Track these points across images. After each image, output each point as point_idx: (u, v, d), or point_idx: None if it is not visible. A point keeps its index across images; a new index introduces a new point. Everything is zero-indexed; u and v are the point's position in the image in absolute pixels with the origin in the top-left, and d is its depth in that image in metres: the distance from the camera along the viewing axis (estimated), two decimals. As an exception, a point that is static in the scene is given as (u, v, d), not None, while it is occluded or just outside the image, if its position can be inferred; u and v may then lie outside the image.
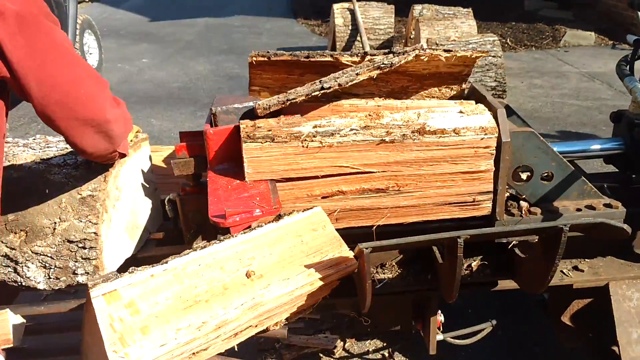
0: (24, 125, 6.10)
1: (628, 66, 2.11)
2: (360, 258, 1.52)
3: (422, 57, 1.64)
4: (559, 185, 1.69)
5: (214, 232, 1.69)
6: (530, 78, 6.52)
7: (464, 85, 1.85)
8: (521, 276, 1.75)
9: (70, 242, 1.72)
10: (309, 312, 1.71)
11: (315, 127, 1.60)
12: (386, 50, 1.69)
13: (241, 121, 1.64)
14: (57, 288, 1.77)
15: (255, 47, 6.40)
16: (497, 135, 1.60)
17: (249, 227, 1.63)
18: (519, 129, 1.68)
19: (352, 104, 1.69)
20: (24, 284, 1.75)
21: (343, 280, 1.63)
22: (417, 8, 6.52)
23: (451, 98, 1.84)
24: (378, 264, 1.95)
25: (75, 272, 1.75)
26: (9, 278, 1.74)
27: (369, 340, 2.65)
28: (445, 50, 1.69)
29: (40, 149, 1.90)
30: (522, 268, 1.73)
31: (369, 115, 1.61)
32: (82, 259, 1.74)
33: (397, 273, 1.91)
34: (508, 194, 1.77)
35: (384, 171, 1.64)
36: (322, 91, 1.60)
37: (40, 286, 1.75)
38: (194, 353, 1.41)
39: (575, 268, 1.94)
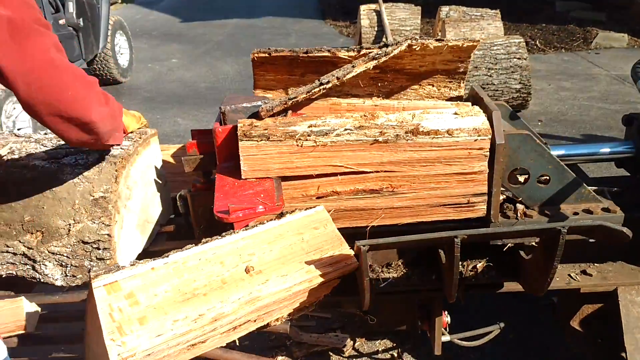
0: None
1: (644, 69, 2.08)
2: (359, 255, 1.53)
3: (414, 47, 1.65)
4: (555, 188, 1.68)
5: (220, 227, 1.73)
6: (558, 80, 6.42)
7: (462, 85, 1.85)
8: (525, 278, 1.74)
9: (85, 243, 1.76)
10: (312, 309, 1.73)
11: (310, 126, 1.62)
12: (381, 44, 1.71)
13: (239, 120, 1.67)
14: (74, 285, 1.82)
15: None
16: (490, 137, 1.61)
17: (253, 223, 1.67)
18: (515, 131, 1.67)
19: (350, 103, 1.71)
20: (42, 280, 1.80)
21: (348, 279, 1.64)
22: (444, 9, 6.48)
23: (452, 100, 1.84)
24: (384, 263, 1.96)
25: (91, 270, 1.80)
26: (27, 275, 1.79)
27: (379, 340, 2.66)
28: (436, 40, 1.71)
29: (52, 146, 1.94)
30: (525, 270, 1.72)
31: (364, 115, 1.63)
32: (97, 259, 1.78)
33: (402, 273, 1.91)
34: (504, 196, 1.77)
35: (377, 171, 1.65)
36: (321, 86, 1.62)
37: (58, 283, 1.79)
38: (192, 345, 1.45)
39: (584, 272, 1.92)
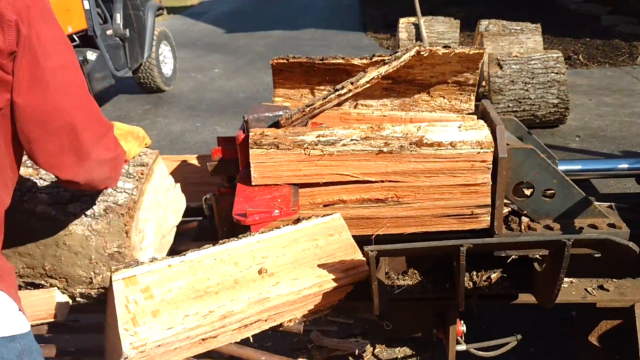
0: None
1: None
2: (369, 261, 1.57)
3: (422, 53, 1.69)
4: (560, 203, 1.68)
5: (240, 229, 1.80)
6: (599, 96, 6.29)
7: (472, 97, 1.87)
8: (537, 290, 1.74)
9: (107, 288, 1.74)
10: (326, 312, 1.77)
11: (318, 136, 1.67)
12: (392, 52, 1.76)
13: (250, 129, 1.74)
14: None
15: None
16: (493, 150, 1.63)
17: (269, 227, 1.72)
18: (519, 145, 1.69)
19: (360, 112, 1.76)
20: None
21: (365, 284, 1.67)
22: (484, 23, 6.44)
23: (461, 112, 1.87)
24: (401, 271, 1.99)
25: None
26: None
27: (398, 348, 2.67)
28: (444, 47, 1.74)
29: (51, 181, 1.81)
30: (537, 282, 1.73)
31: (371, 127, 1.67)
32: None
33: (417, 281, 1.94)
34: (510, 209, 1.78)
35: (382, 181, 1.69)
36: (336, 92, 1.67)
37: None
38: (203, 339, 1.51)
39: (601, 287, 1.90)
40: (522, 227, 1.69)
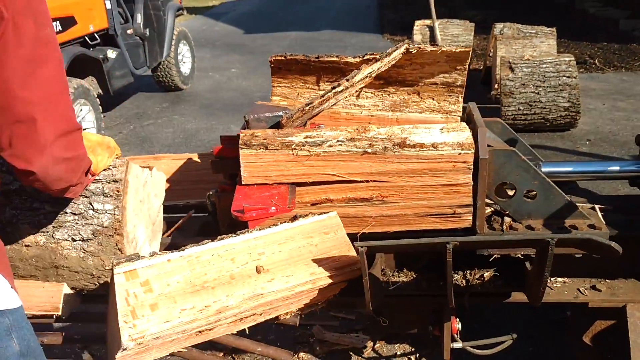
0: (118, 125, 6.64)
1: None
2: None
3: (411, 50, 1.75)
4: (542, 203, 1.71)
5: (240, 225, 1.86)
6: (613, 100, 6.26)
7: (460, 99, 1.92)
8: (527, 289, 1.78)
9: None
10: (321, 307, 1.82)
11: (305, 137, 1.73)
12: (382, 52, 1.82)
13: (241, 130, 1.80)
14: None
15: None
16: (474, 151, 1.66)
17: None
18: (500, 147, 1.73)
19: (349, 112, 1.82)
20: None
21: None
22: (499, 26, 6.45)
23: (450, 113, 1.91)
24: (397, 268, 2.04)
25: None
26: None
27: (398, 344, 2.72)
28: (431, 44, 1.79)
29: (35, 217, 1.78)
30: (528, 281, 1.77)
31: (357, 129, 1.72)
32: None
33: (412, 278, 1.99)
34: (492, 209, 1.82)
35: (367, 181, 1.74)
36: (333, 91, 1.73)
37: None
38: (199, 331, 1.57)
39: (594, 287, 1.93)
40: (504, 227, 1.73)
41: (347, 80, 1.71)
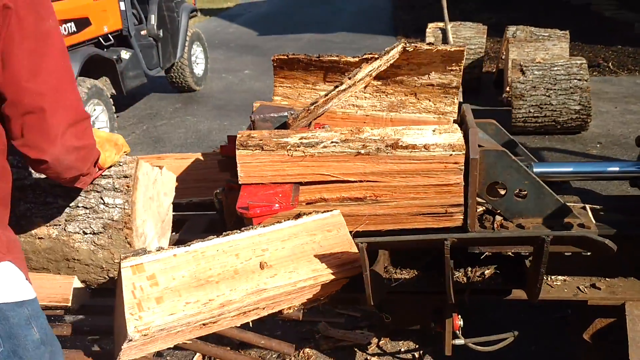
0: (131, 125, 6.73)
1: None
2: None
3: (407, 48, 1.80)
4: (532, 203, 1.74)
5: (245, 222, 1.90)
6: (626, 104, 6.22)
7: (455, 101, 1.95)
8: (526, 286, 1.81)
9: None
10: (323, 302, 1.87)
11: (300, 138, 1.78)
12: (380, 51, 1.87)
13: (238, 132, 1.85)
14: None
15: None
16: (465, 152, 1.69)
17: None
18: (491, 147, 1.76)
19: (344, 112, 1.87)
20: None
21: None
22: (511, 29, 6.45)
23: (444, 115, 1.95)
24: (399, 265, 2.08)
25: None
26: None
27: (402, 341, 2.76)
28: (427, 44, 1.83)
29: (48, 211, 1.84)
30: (527, 278, 1.80)
31: (351, 130, 1.77)
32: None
33: (414, 275, 2.02)
34: (484, 208, 1.84)
35: (361, 181, 1.78)
36: (337, 90, 1.78)
37: None
38: (203, 324, 1.62)
39: (593, 286, 1.95)
40: (495, 226, 1.76)
41: (350, 78, 1.76)
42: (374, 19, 13.73)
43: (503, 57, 6.46)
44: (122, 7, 6.36)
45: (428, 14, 11.36)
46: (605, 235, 1.51)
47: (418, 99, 1.92)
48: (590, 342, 2.02)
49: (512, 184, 1.73)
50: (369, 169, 1.76)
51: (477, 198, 1.74)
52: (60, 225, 1.81)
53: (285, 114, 2.00)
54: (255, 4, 17.66)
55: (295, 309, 1.80)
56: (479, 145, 1.71)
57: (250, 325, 1.74)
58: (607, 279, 1.96)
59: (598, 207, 1.89)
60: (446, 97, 1.93)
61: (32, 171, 1.81)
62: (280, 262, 1.72)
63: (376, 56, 1.82)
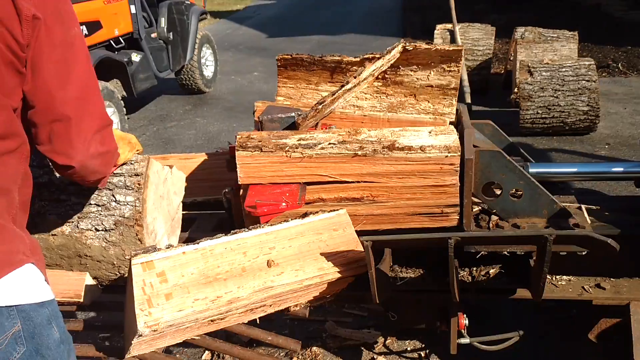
0: (142, 127, 6.79)
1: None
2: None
3: (407, 47, 1.85)
4: (527, 202, 1.77)
5: (253, 221, 1.94)
6: (635, 104, 6.20)
7: (453, 102, 1.97)
8: (531, 285, 1.83)
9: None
10: (329, 300, 1.89)
11: (299, 139, 1.81)
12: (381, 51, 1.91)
13: (238, 132, 1.88)
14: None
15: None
16: (460, 154, 1.72)
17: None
18: (486, 147, 1.78)
19: (343, 112, 1.90)
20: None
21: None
22: (520, 30, 6.44)
23: (442, 116, 1.98)
24: (405, 264, 2.10)
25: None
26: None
27: (408, 340, 2.77)
28: (426, 43, 1.88)
29: (62, 209, 1.89)
30: (532, 277, 1.81)
31: (348, 131, 1.81)
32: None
33: (420, 274, 2.05)
34: (480, 207, 1.87)
35: (358, 181, 1.82)
36: (343, 89, 1.83)
37: None
38: (211, 320, 1.65)
39: (598, 285, 1.97)
40: (491, 225, 1.79)
41: (355, 77, 1.79)
42: (382, 20, 13.74)
43: (511, 58, 6.46)
44: (133, 11, 6.42)
45: (437, 16, 11.35)
46: (608, 235, 1.53)
47: (417, 100, 1.96)
48: (595, 342, 2.03)
49: (507, 184, 1.76)
50: (366, 170, 1.80)
51: (473, 198, 1.76)
52: (73, 222, 1.86)
53: (292, 114, 2.04)
54: (265, 6, 17.72)
55: (302, 306, 1.83)
56: (475, 146, 1.74)
57: (258, 323, 1.77)
58: (612, 279, 1.98)
59: (594, 207, 1.90)
60: (445, 98, 1.97)
61: (47, 170, 1.86)
62: (287, 261, 1.75)
63: (377, 55, 1.85)
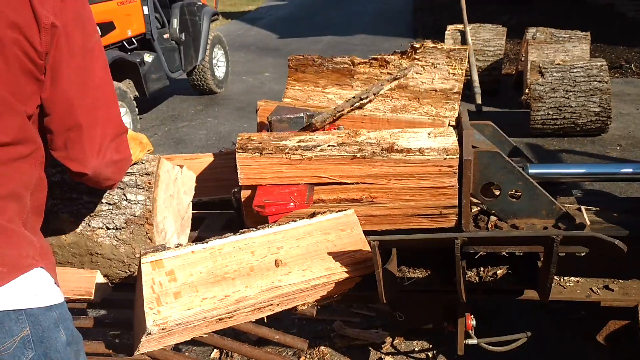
0: (154, 127, 6.84)
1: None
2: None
3: (415, 46, 1.90)
4: (526, 203, 1.77)
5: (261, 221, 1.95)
6: (648, 106, 6.18)
7: (456, 106, 1.98)
8: (538, 286, 1.83)
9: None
10: (337, 299, 1.90)
11: (299, 141, 1.83)
12: (392, 52, 1.93)
13: (238, 134, 1.90)
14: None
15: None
16: (458, 156, 1.73)
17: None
18: (485, 149, 1.79)
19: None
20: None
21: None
22: (531, 31, 6.42)
23: (444, 119, 2.00)
24: (413, 265, 2.11)
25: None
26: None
27: (416, 340, 2.78)
28: (433, 41, 1.93)
29: (74, 207, 1.92)
30: (539, 278, 1.82)
31: (348, 133, 1.82)
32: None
33: (427, 274, 2.05)
34: (479, 208, 1.87)
35: (357, 183, 1.84)
36: (361, 101, 1.85)
37: None
38: (219, 319, 1.67)
39: (606, 287, 1.96)
40: (490, 226, 1.79)
41: (374, 94, 1.83)
42: (393, 21, 13.72)
43: (522, 59, 6.44)
44: (146, 12, 6.48)
45: (448, 16, 11.33)
46: (616, 236, 1.52)
47: (420, 104, 1.98)
48: (604, 344, 2.03)
49: (505, 184, 1.77)
50: (365, 171, 1.82)
51: (472, 198, 1.77)
52: (84, 220, 1.89)
53: (302, 115, 2.06)
54: (276, 7, 17.77)
55: (309, 305, 1.85)
56: (473, 147, 1.75)
57: (265, 321, 1.78)
58: (620, 280, 1.97)
59: (594, 208, 1.90)
60: (447, 102, 1.98)
61: (59, 169, 1.89)
62: (294, 260, 1.76)
63: (385, 58, 1.86)
